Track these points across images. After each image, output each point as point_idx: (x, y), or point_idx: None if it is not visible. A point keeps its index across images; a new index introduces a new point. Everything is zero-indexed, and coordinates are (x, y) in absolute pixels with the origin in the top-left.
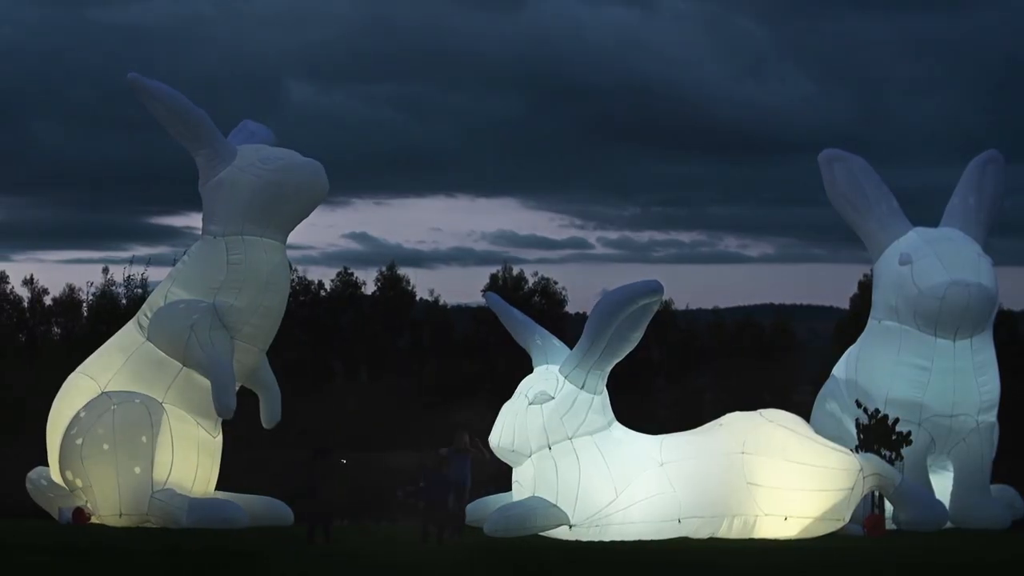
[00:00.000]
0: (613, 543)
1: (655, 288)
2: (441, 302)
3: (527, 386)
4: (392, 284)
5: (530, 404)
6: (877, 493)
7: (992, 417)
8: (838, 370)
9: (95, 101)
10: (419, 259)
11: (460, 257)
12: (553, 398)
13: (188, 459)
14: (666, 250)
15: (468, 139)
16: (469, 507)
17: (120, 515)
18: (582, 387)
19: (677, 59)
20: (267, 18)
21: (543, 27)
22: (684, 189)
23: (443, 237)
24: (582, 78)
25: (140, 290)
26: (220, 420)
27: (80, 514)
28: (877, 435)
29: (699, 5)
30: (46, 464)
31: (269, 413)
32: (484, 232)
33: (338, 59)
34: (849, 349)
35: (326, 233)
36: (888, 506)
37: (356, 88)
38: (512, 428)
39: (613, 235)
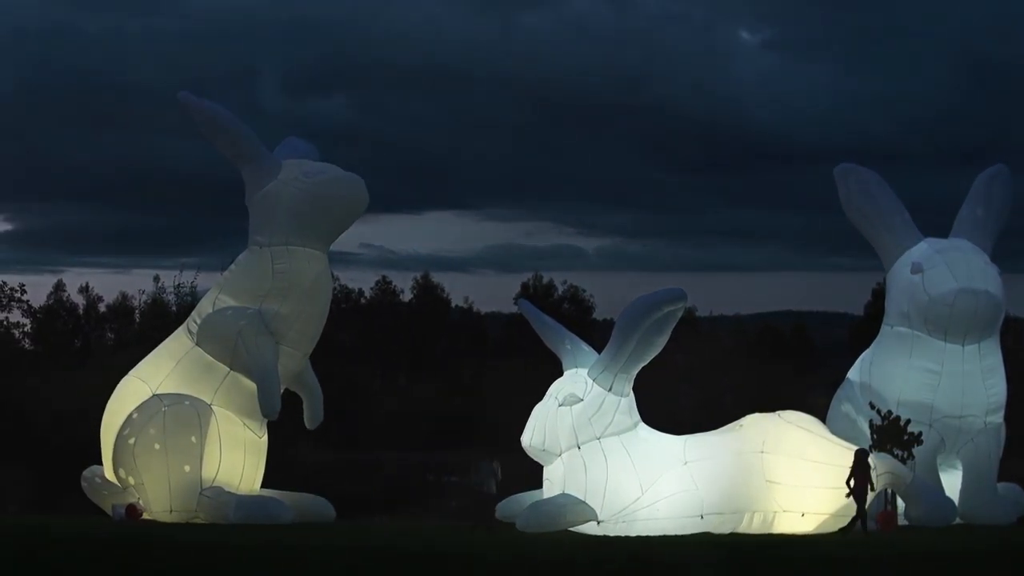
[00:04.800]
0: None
1: (679, 295)
2: (475, 308)
3: (557, 388)
4: (428, 291)
5: (560, 406)
6: (890, 490)
7: (999, 418)
8: (853, 374)
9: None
10: (435, 266)
11: (465, 265)
12: (582, 400)
13: (235, 458)
14: (683, 258)
15: (467, 147)
16: (501, 504)
17: (171, 511)
18: (609, 389)
19: (699, 66)
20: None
21: (543, 34)
22: (702, 197)
23: (445, 246)
24: (590, 87)
25: (189, 297)
26: (265, 421)
27: (133, 510)
28: (890, 435)
29: (711, 11)
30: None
31: (312, 414)
32: (483, 241)
33: (332, 68)
34: (863, 354)
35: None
36: (900, 502)
37: (347, 97)
38: (543, 428)
39: (624, 244)
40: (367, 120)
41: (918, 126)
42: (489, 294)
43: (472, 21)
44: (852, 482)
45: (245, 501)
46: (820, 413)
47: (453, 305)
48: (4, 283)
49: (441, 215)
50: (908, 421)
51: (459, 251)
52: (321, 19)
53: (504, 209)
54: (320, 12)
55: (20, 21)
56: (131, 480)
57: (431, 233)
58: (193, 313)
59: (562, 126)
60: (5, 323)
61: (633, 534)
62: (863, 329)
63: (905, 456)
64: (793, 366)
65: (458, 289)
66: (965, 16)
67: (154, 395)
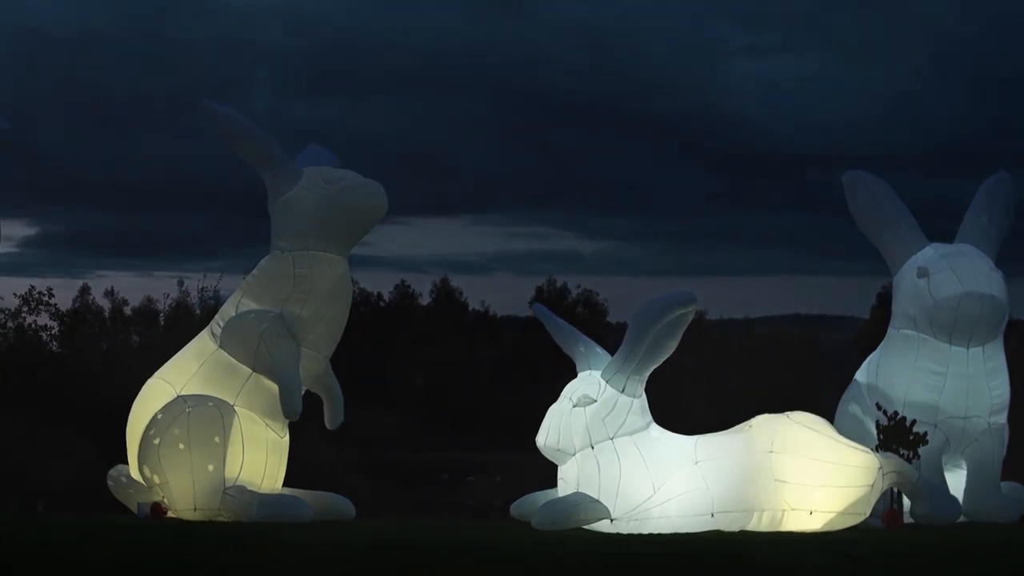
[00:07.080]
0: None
1: (690, 299)
2: (491, 312)
3: (571, 390)
4: (446, 295)
5: (574, 407)
6: (896, 489)
7: (1002, 419)
8: (860, 375)
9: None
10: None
11: (480, 269)
12: (595, 401)
13: (257, 458)
14: (693, 263)
15: (467, 150)
16: (516, 503)
17: (195, 510)
18: (622, 391)
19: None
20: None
21: (546, 33)
22: (710, 201)
23: (454, 250)
24: (594, 90)
25: (213, 301)
26: (287, 422)
27: (157, 508)
28: (896, 435)
29: (713, 12)
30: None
31: (333, 416)
32: (493, 245)
33: (332, 69)
34: (870, 356)
35: None
36: (906, 501)
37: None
38: (557, 429)
39: (633, 248)
40: (365, 123)
41: (924, 130)
42: (502, 297)
43: (472, 23)
44: None
45: (267, 500)
46: (828, 414)
47: (470, 308)
48: (32, 287)
49: (445, 219)
50: (914, 422)
51: (468, 255)
52: (320, 19)
53: (507, 213)
54: (319, 13)
55: (40, 28)
56: (156, 479)
57: (443, 237)
58: (216, 316)
59: (568, 128)
60: (33, 326)
61: (645, 531)
62: (869, 332)
63: (911, 456)
64: (801, 368)
65: (474, 293)
66: (971, 21)
67: (178, 396)
